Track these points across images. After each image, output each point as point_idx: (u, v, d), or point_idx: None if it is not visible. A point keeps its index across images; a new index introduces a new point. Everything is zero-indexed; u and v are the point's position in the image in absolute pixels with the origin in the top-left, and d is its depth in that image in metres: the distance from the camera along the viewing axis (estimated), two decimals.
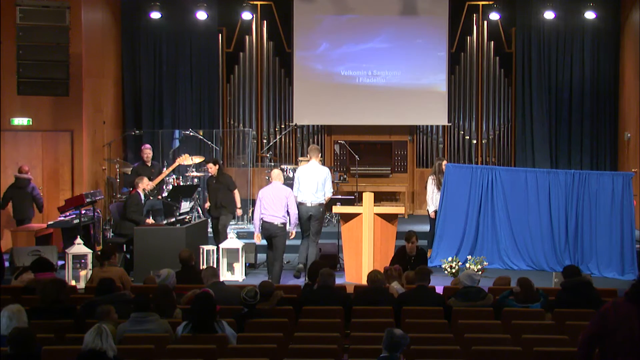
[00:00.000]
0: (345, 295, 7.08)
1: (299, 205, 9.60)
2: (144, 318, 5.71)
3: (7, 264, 9.97)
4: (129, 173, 11.97)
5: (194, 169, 11.99)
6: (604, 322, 4.17)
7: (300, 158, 13.45)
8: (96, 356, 4.70)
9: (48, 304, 6.08)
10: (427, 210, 10.89)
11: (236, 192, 10.54)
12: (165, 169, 11.49)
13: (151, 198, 10.50)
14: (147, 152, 11.32)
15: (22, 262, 9.55)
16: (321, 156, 10.07)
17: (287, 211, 9.37)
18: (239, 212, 10.66)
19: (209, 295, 5.88)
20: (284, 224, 9.36)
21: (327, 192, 9.74)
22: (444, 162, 10.87)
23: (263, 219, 9.35)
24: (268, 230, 9.35)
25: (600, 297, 6.85)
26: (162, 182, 11.08)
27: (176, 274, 7.47)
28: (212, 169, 10.46)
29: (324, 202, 9.76)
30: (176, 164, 11.28)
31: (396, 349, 4.76)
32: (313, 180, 9.64)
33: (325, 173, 9.76)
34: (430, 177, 10.83)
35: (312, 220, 9.62)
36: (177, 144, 13.75)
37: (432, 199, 10.73)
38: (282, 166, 12.98)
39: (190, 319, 5.72)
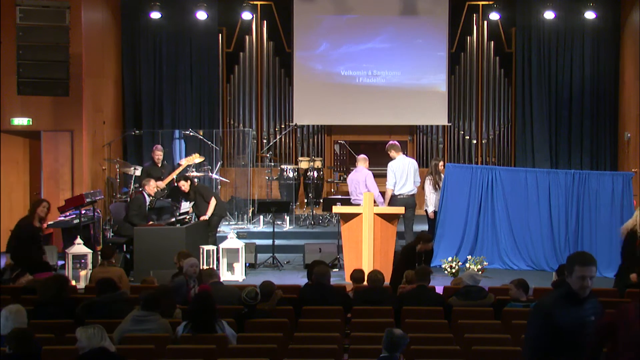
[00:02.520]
0: (345, 295, 7.09)
1: (397, 197, 10.25)
2: (145, 318, 5.71)
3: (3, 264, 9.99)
4: (130, 173, 11.97)
5: (194, 169, 11.99)
6: (622, 315, 4.13)
7: (300, 158, 13.45)
8: (101, 354, 4.69)
9: (48, 299, 6.09)
10: (426, 211, 10.90)
11: (212, 201, 10.41)
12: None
13: (161, 199, 10.50)
14: (158, 153, 11.34)
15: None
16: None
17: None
18: (204, 218, 10.37)
19: (209, 295, 5.88)
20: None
21: (417, 182, 10.49)
22: (441, 163, 10.91)
23: (354, 202, 10.21)
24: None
25: (593, 294, 6.86)
26: (170, 182, 11.08)
27: (175, 274, 7.49)
28: (185, 186, 10.46)
29: (415, 192, 10.45)
30: (184, 164, 11.27)
31: (396, 349, 4.76)
32: (411, 173, 10.37)
33: (416, 164, 10.57)
34: (427, 178, 10.86)
35: (407, 211, 10.17)
36: (177, 143, 13.78)
37: (430, 199, 10.75)
38: (282, 166, 13.00)
39: (190, 319, 5.73)
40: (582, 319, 4.03)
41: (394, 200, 10.28)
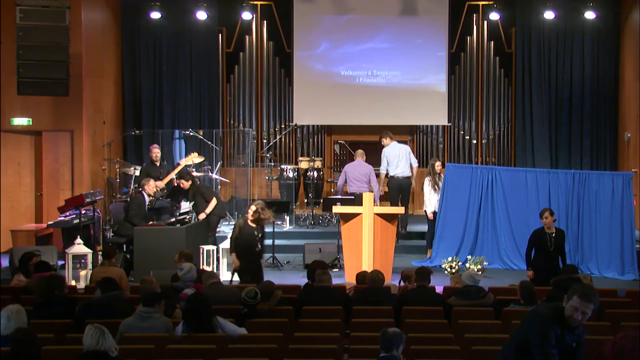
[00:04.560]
0: (345, 295, 7.09)
1: (392, 178, 11.31)
2: (148, 314, 5.73)
3: (6, 263, 10.01)
4: (130, 173, 11.97)
5: (194, 169, 11.98)
6: (613, 345, 4.14)
7: (300, 158, 13.45)
8: (99, 356, 4.69)
9: (40, 298, 6.09)
10: (425, 212, 10.90)
11: (213, 201, 10.33)
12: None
13: (160, 198, 10.48)
14: (156, 151, 11.31)
15: None
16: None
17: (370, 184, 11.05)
18: (202, 216, 10.28)
19: (202, 295, 5.90)
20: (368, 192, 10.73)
21: (414, 164, 11.48)
22: (437, 163, 10.91)
23: (350, 190, 11.07)
24: (359, 199, 10.50)
25: None
26: (170, 181, 11.07)
27: (175, 275, 7.48)
28: (185, 184, 10.41)
29: (410, 175, 11.37)
30: (183, 164, 11.26)
31: (391, 346, 4.72)
32: (402, 157, 11.33)
33: (409, 149, 11.58)
34: (426, 179, 10.88)
35: (402, 191, 11.27)
36: (177, 143, 13.78)
37: (430, 199, 10.76)
38: (282, 166, 13.01)
39: (185, 319, 5.74)
40: (564, 341, 4.06)
41: (389, 182, 11.39)
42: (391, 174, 11.34)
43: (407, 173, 11.36)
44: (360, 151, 11.48)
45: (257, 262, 8.65)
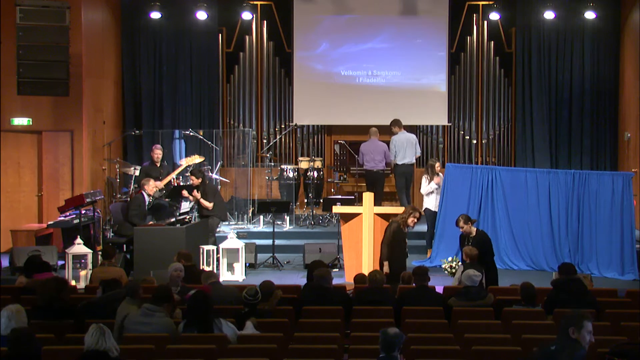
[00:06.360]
0: (345, 295, 7.09)
1: (398, 166, 12.00)
2: (153, 313, 5.74)
3: (6, 263, 10.01)
4: (130, 173, 11.97)
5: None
6: None
7: (300, 158, 13.45)
8: (98, 356, 4.69)
9: (47, 302, 6.08)
10: (424, 211, 10.90)
11: (210, 204, 10.41)
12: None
13: (158, 199, 10.49)
14: (158, 152, 11.31)
15: (22, 262, 9.55)
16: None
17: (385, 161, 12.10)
18: (196, 195, 10.43)
19: (205, 295, 5.90)
20: (383, 169, 12.13)
21: (418, 152, 12.21)
22: (437, 164, 10.94)
23: (366, 168, 12.04)
24: (371, 176, 12.01)
25: (591, 294, 6.88)
26: (169, 182, 11.07)
27: None
28: (195, 181, 10.49)
29: (414, 162, 12.19)
30: (184, 165, 11.25)
31: (391, 348, 4.71)
32: (410, 145, 12.02)
33: (415, 138, 12.31)
34: (424, 177, 10.96)
35: (407, 178, 12.06)
36: (177, 143, 13.78)
37: (430, 199, 10.82)
38: (282, 166, 13.01)
39: (187, 318, 5.74)
40: None
41: (397, 169, 12.05)
42: (398, 162, 11.98)
43: (413, 161, 12.14)
44: (373, 129, 12.32)
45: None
